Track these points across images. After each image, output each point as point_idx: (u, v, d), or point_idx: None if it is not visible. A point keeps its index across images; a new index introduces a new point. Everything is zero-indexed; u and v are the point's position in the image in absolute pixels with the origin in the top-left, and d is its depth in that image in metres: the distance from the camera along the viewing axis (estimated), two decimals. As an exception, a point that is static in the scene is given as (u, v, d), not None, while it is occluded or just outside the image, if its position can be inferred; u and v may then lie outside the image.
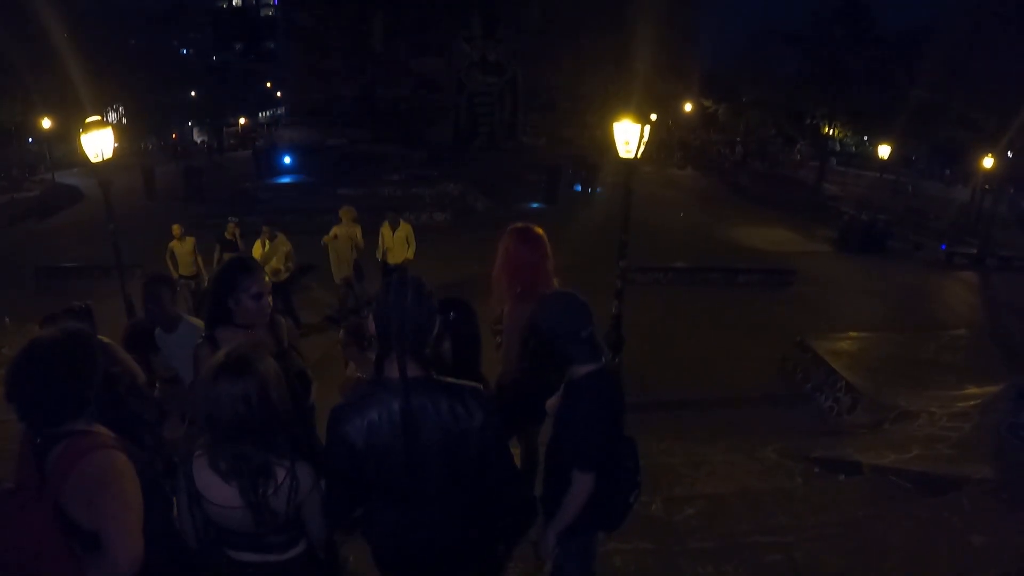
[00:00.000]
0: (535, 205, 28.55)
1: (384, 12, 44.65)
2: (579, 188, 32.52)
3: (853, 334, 13.51)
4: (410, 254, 13.80)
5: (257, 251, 12.87)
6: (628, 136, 9.46)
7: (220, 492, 2.67)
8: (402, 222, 14.01)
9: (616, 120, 9.52)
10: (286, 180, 33.51)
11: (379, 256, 13.89)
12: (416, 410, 2.75)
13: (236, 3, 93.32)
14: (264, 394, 2.63)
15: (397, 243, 13.72)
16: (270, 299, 3.73)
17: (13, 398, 2.66)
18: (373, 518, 3.01)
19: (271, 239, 13.01)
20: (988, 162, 26.61)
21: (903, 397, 9.60)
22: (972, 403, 8.90)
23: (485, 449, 2.87)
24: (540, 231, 4.78)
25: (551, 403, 3.68)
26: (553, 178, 30.50)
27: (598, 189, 31.87)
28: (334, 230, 13.67)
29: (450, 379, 2.88)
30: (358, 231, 13.84)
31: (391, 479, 2.83)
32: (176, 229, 13.74)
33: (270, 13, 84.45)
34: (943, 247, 24.65)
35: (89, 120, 10.55)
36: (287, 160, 34.80)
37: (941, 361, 12.37)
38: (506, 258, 4.68)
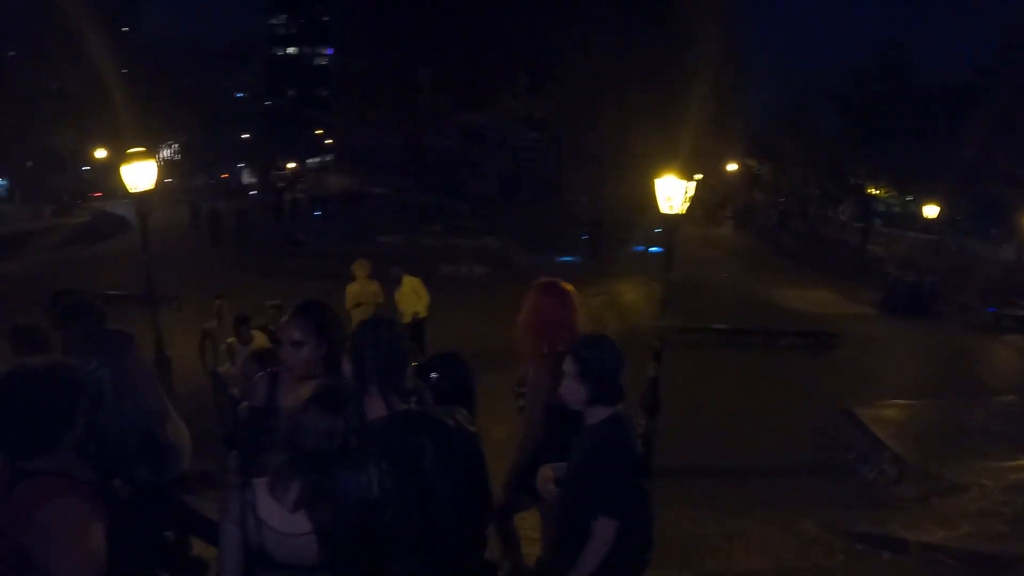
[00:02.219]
0: (569, 259, 28.47)
1: (432, 65, 45.48)
2: (641, 248, 32.08)
3: (899, 401, 13.12)
4: (421, 308, 12.99)
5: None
6: (672, 192, 9.31)
7: (284, 520, 2.62)
8: (405, 276, 13.05)
9: (659, 176, 9.38)
10: (329, 224, 33.80)
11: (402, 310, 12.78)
12: (415, 442, 2.82)
13: (291, 51, 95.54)
14: (347, 436, 2.66)
15: (403, 298, 12.82)
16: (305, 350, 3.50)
17: None
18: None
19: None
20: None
21: (952, 468, 9.24)
22: (1026, 475, 8.57)
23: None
24: (569, 286, 4.59)
25: (545, 477, 3.73)
26: (596, 233, 30.45)
27: (656, 248, 31.70)
28: (353, 294, 12.58)
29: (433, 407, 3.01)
30: (376, 286, 12.74)
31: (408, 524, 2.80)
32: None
33: (324, 62, 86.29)
34: (991, 309, 24.04)
35: (131, 151, 10.64)
36: (326, 208, 35.13)
37: (991, 430, 11.91)
38: (532, 314, 4.51)
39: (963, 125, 34.25)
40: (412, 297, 12.83)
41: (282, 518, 2.61)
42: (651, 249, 31.37)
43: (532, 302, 4.54)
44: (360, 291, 12.44)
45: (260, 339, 8.67)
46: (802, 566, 6.52)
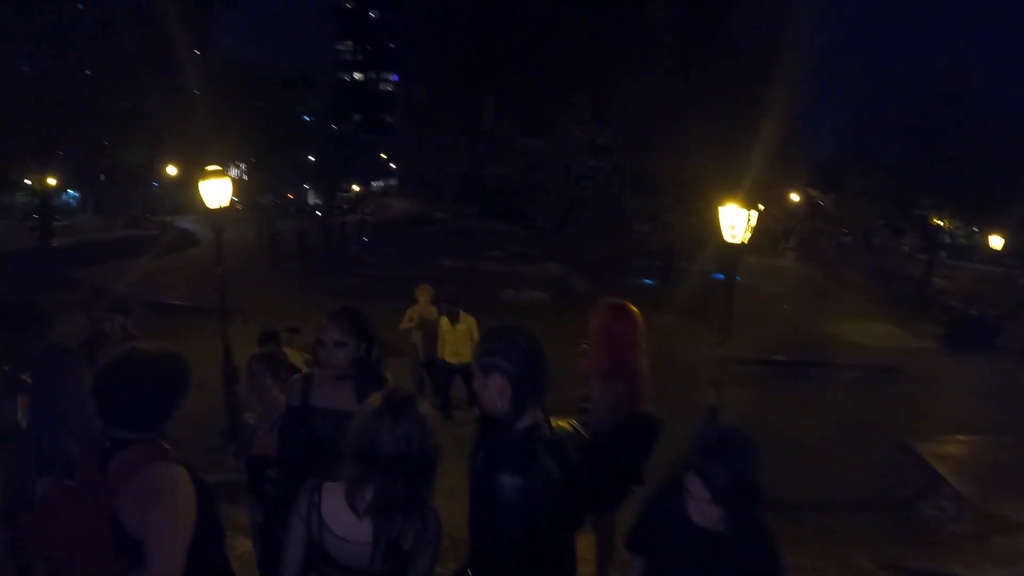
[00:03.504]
0: (649, 281, 28.49)
1: (495, 92, 45.89)
2: (720, 276, 31.88)
3: (960, 437, 12.93)
4: (468, 354, 11.53)
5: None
6: (734, 221, 9.32)
7: (349, 526, 2.71)
8: (462, 313, 11.67)
9: (722, 204, 9.41)
10: (392, 247, 34.34)
11: (440, 353, 11.92)
12: (557, 455, 2.82)
13: (357, 76, 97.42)
14: (423, 436, 2.71)
15: (459, 338, 11.55)
16: (347, 351, 3.76)
17: (99, 394, 2.80)
18: None
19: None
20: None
21: (1012, 508, 9.13)
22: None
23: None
24: (633, 308, 4.76)
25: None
26: (668, 259, 30.45)
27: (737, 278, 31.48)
28: (411, 316, 12.38)
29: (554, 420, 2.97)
30: (435, 313, 12.17)
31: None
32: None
33: (388, 88, 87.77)
34: None
35: (209, 168, 11.07)
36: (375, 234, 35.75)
37: (1056, 468, 11.75)
38: (599, 332, 4.67)
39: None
40: (466, 338, 11.46)
41: (344, 523, 2.71)
42: (714, 275, 31.31)
43: (599, 321, 4.71)
44: (420, 314, 12.33)
45: (294, 357, 7.92)
46: (855, 602, 6.55)
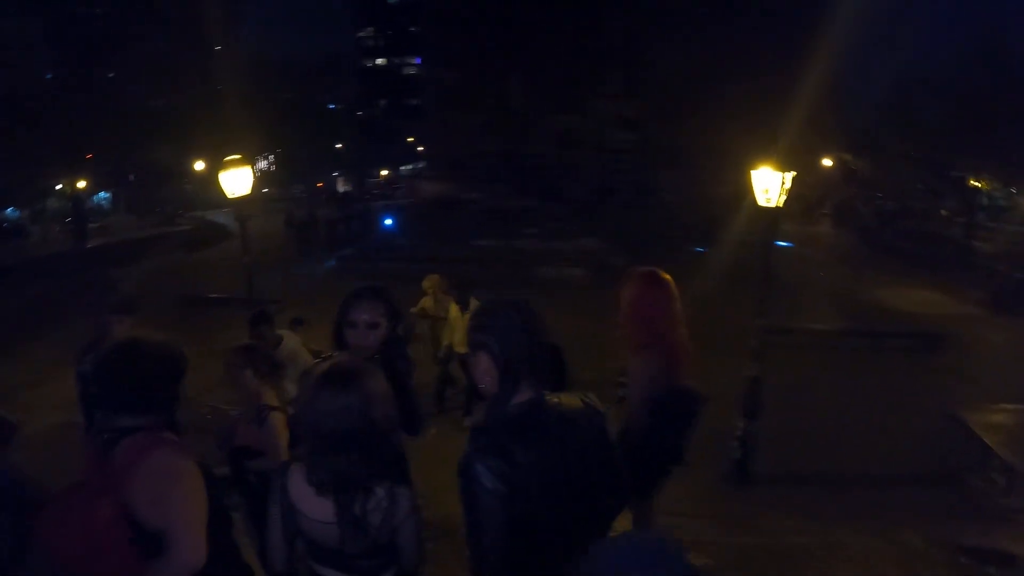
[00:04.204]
0: (701, 249, 28.22)
1: (522, 70, 45.58)
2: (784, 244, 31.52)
3: (1010, 406, 12.54)
4: None
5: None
6: (768, 184, 9.07)
7: (314, 505, 2.68)
8: (473, 299, 10.52)
9: (755, 167, 9.15)
10: (421, 231, 34.39)
11: (450, 341, 11.24)
12: (556, 433, 2.67)
13: (380, 62, 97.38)
14: (366, 409, 2.63)
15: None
16: (379, 331, 3.71)
17: (98, 383, 2.88)
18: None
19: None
20: None
21: (1066, 479, 8.84)
22: None
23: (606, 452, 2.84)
24: (667, 276, 4.54)
25: None
26: (711, 227, 30.10)
27: (788, 243, 31.32)
28: (427, 305, 11.92)
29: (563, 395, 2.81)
30: (450, 304, 11.46)
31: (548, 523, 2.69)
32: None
33: (412, 71, 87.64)
34: None
35: (228, 158, 11.01)
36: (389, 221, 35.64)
37: (1113, 436, 11.38)
38: (633, 304, 4.46)
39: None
40: None
41: (310, 503, 2.67)
42: (777, 243, 30.87)
43: (633, 292, 4.49)
44: (432, 309, 11.86)
45: (293, 342, 7.36)
46: (903, 579, 6.34)
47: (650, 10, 40.79)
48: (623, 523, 5.35)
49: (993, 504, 8.95)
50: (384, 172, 76.13)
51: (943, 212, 51.09)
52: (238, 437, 4.59)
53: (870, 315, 20.13)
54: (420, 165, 78.94)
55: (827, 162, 53.96)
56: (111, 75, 37.49)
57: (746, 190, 9.64)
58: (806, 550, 6.85)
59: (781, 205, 9.23)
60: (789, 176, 9.10)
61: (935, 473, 10.17)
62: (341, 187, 71.89)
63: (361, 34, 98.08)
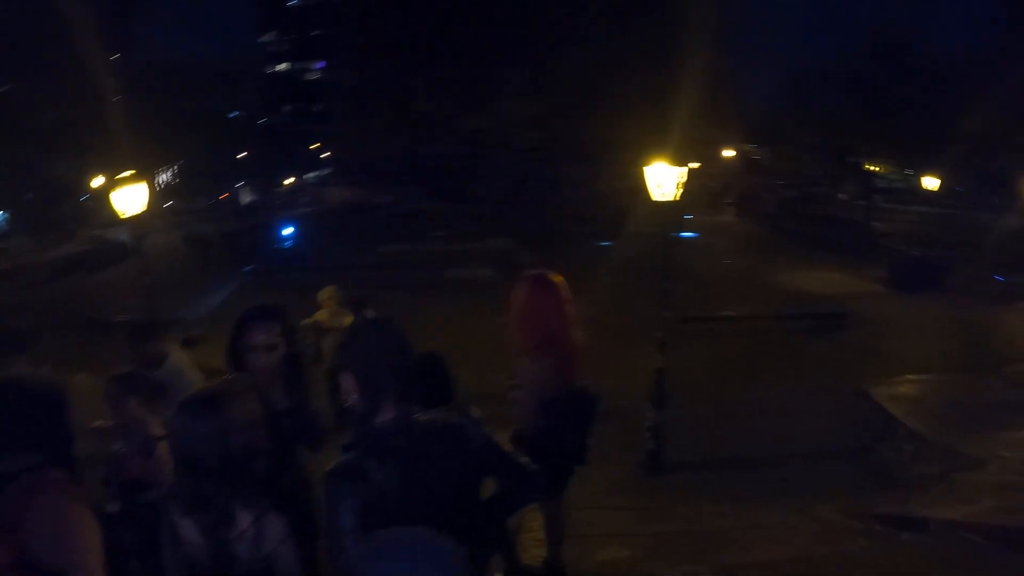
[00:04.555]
0: (607, 243, 28.36)
1: (428, 70, 45.27)
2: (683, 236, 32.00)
3: (913, 377, 12.92)
4: None
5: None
6: (663, 180, 9.17)
7: (189, 530, 2.65)
8: (370, 312, 10.05)
9: (648, 164, 9.24)
10: (328, 240, 33.80)
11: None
12: (421, 450, 2.67)
13: (283, 67, 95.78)
14: (226, 435, 2.59)
15: None
16: (277, 352, 3.67)
17: None
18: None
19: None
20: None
21: (970, 443, 9.07)
22: (1048, 444, 8.42)
23: (490, 463, 2.88)
24: (558, 278, 4.51)
25: None
26: (616, 222, 30.29)
27: (695, 234, 31.87)
28: (322, 318, 11.30)
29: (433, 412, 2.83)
30: (346, 317, 10.75)
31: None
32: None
33: (316, 76, 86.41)
34: (1000, 279, 23.84)
35: (120, 176, 10.65)
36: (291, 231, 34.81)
37: (1009, 401, 11.71)
38: (521, 308, 4.42)
39: (966, 97, 34.15)
40: None
41: (187, 530, 2.65)
42: (682, 235, 31.48)
43: (522, 295, 4.45)
44: (327, 322, 11.19)
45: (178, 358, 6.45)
46: (822, 553, 6.38)
47: (548, 7, 40.97)
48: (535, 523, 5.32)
49: (903, 472, 9.12)
50: (290, 180, 74.87)
51: (842, 196, 52.80)
52: (126, 471, 4.38)
53: (777, 299, 20.50)
54: (326, 172, 77.90)
55: (729, 153, 55.27)
56: (2, 89, 35.96)
57: (642, 185, 9.71)
58: (725, 532, 6.88)
59: (677, 199, 9.35)
60: (683, 170, 9.23)
61: (846, 446, 10.38)
62: (246, 198, 70.50)
63: (263, 39, 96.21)
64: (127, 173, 10.83)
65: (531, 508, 4.90)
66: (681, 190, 9.24)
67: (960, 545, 6.29)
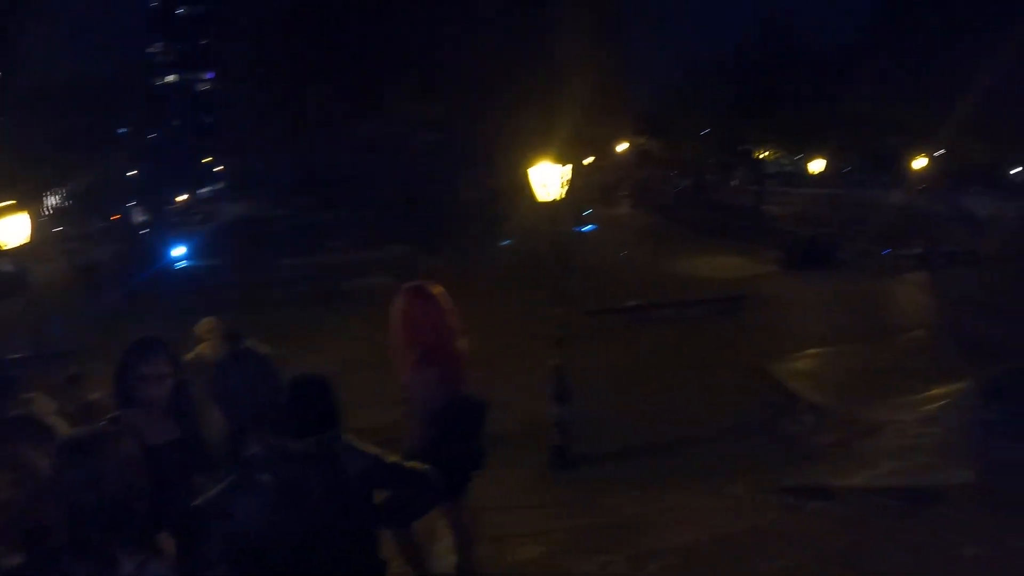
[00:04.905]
0: (507, 241, 28.50)
1: (319, 77, 44.51)
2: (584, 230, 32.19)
3: (810, 352, 13.35)
4: None
5: None
6: (546, 179, 9.21)
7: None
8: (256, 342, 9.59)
9: (533, 164, 9.28)
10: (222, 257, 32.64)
11: None
12: (292, 479, 2.68)
13: (172, 78, 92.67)
14: (100, 480, 2.48)
15: None
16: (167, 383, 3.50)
17: None
18: None
19: None
20: (921, 163, 26.85)
21: (868, 410, 9.42)
22: (939, 405, 8.78)
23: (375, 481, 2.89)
24: (437, 288, 4.48)
25: None
26: (517, 217, 30.26)
27: (592, 226, 32.08)
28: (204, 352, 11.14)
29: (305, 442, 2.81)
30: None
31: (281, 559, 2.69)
32: None
33: (207, 87, 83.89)
34: (887, 252, 24.79)
35: (1, 205, 10.22)
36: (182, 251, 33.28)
37: (901, 366, 12.25)
38: (402, 321, 4.37)
39: (845, 83, 35.51)
40: None
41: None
42: (583, 229, 31.75)
43: (401, 309, 4.40)
44: (209, 358, 10.80)
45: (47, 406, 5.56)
46: (735, 530, 6.46)
47: (439, 9, 40.80)
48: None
49: (807, 444, 9.39)
50: (183, 197, 72.72)
51: (734, 183, 54.16)
52: (29, 518, 4.16)
53: (676, 287, 20.66)
54: (220, 186, 76.00)
55: (623, 146, 56.03)
56: None
57: (524, 185, 9.73)
58: (638, 520, 6.91)
59: (562, 197, 9.40)
60: (567, 168, 9.27)
61: (751, 424, 10.57)
62: (139, 217, 68.24)
63: (151, 49, 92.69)
64: (6, 203, 10.38)
65: (439, 517, 4.88)
66: (566, 188, 9.29)
67: (865, 508, 6.47)
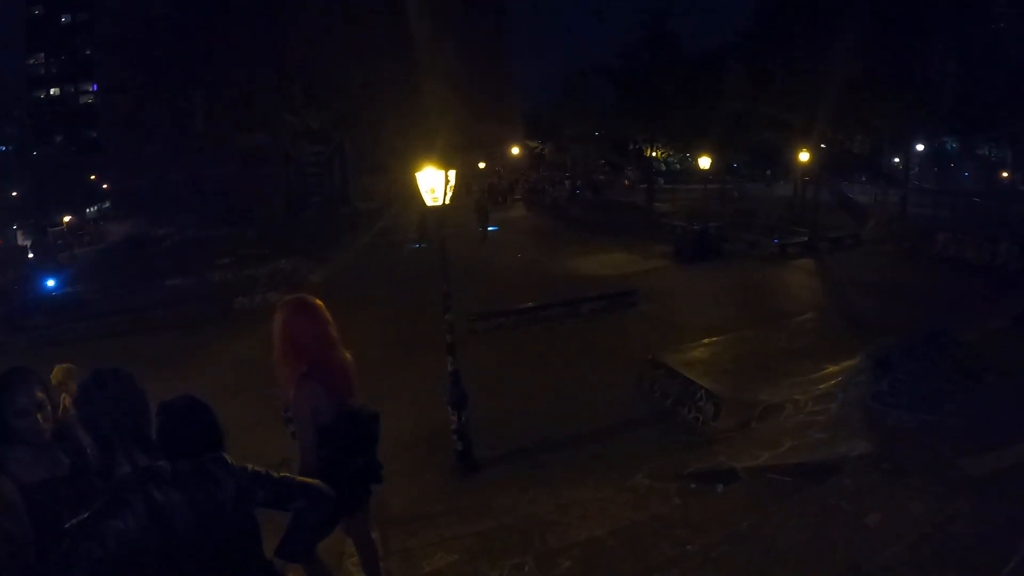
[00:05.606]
0: (416, 245, 28.55)
1: (205, 89, 43.29)
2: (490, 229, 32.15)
3: (705, 340, 13.56)
4: None
5: None
6: (432, 184, 9.14)
7: None
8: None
9: (418, 169, 9.19)
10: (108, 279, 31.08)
11: None
12: (163, 501, 2.60)
13: (54, 91, 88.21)
14: None
15: None
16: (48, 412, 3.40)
17: None
18: None
19: None
20: (803, 156, 27.72)
21: (765, 392, 9.63)
22: (833, 382, 9.08)
23: (256, 501, 2.83)
24: (317, 301, 4.31)
25: None
26: (423, 225, 30.04)
27: (493, 227, 32.11)
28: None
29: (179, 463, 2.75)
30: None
31: None
32: None
33: (90, 100, 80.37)
34: (775, 241, 25.49)
35: None
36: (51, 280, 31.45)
37: (795, 348, 12.63)
38: (283, 335, 4.17)
39: (725, 82, 36.49)
40: None
41: None
42: (490, 228, 31.74)
43: (281, 323, 4.20)
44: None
45: None
46: (639, 520, 6.50)
47: (322, 20, 40.21)
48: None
49: (706, 429, 9.56)
50: (68, 218, 69.54)
51: (625, 182, 55.11)
52: None
53: (569, 285, 20.58)
54: (106, 205, 73.17)
55: (515, 150, 56.45)
56: None
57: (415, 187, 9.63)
58: (543, 518, 6.87)
59: (448, 202, 9.36)
60: (452, 173, 9.24)
61: (651, 415, 10.72)
62: (21, 241, 65.05)
63: (31, 61, 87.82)
64: None
65: (342, 535, 4.79)
66: (451, 192, 9.26)
67: (768, 487, 6.62)
